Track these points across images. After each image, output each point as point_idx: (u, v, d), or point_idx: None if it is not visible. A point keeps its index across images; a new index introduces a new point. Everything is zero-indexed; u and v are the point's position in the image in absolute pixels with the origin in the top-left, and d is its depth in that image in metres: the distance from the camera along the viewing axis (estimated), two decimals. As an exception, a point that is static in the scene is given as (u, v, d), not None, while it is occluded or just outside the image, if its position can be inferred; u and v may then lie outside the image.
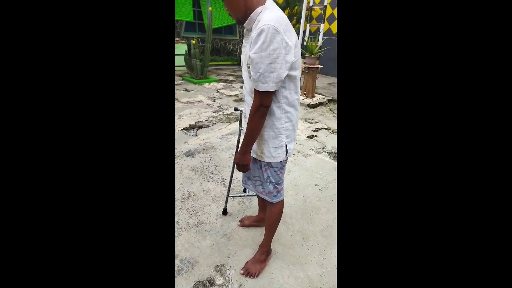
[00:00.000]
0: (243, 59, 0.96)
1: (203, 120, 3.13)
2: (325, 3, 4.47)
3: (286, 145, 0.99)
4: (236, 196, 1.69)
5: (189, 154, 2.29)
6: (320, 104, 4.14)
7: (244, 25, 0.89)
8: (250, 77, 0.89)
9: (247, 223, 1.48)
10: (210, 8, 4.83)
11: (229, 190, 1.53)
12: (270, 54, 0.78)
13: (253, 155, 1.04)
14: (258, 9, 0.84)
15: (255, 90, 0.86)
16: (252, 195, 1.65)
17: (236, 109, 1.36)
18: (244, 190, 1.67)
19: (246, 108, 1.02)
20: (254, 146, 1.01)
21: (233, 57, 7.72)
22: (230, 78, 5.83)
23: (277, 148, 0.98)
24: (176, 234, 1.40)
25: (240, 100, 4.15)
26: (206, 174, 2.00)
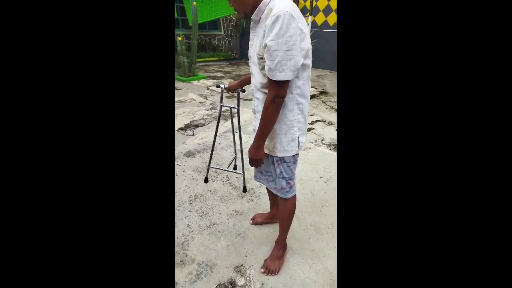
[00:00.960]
0: (251, 52, 0.93)
1: (198, 119, 3.05)
2: (311, -5, 4.46)
3: (298, 138, 0.97)
4: (218, 168, 1.88)
5: (189, 154, 2.24)
6: (312, 96, 4.16)
7: (252, 17, 0.86)
8: (261, 69, 0.87)
9: (259, 220, 1.47)
10: (194, 3, 4.68)
11: (210, 160, 1.69)
12: (287, 41, 0.76)
13: (265, 150, 1.01)
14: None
15: (270, 80, 0.83)
16: (229, 170, 1.77)
17: (217, 86, 1.44)
18: (234, 168, 1.79)
19: (256, 102, 1.00)
20: (266, 141, 0.98)
21: (219, 53, 7.58)
22: (219, 74, 5.72)
23: (290, 142, 0.97)
24: (189, 237, 1.37)
25: (233, 96, 4.09)
26: (210, 174, 1.96)
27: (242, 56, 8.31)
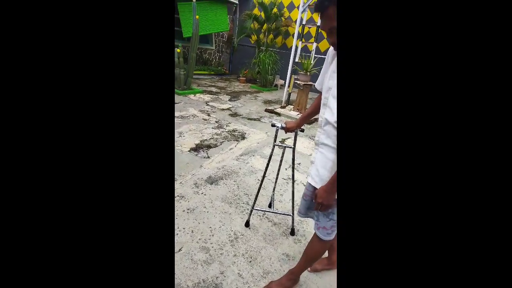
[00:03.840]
0: (331, 84, 0.88)
1: (208, 139, 2.83)
2: (317, 23, 4.63)
3: None
4: (260, 210, 1.63)
5: (212, 181, 2.01)
6: (316, 119, 4.20)
7: None
8: None
9: (319, 267, 1.31)
10: (197, 17, 4.55)
11: (254, 202, 1.50)
12: None
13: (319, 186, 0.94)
14: None
15: None
16: (277, 212, 1.63)
17: (273, 125, 1.32)
18: (270, 206, 1.65)
19: (323, 135, 0.93)
20: (326, 176, 0.92)
21: (210, 67, 7.43)
22: (213, 89, 5.55)
23: None
24: (246, 292, 1.15)
25: (235, 114, 3.94)
26: (242, 206, 1.76)
27: (231, 71, 8.27)
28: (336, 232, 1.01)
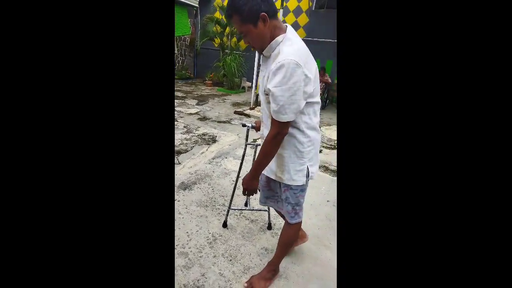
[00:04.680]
0: (261, 82, 0.98)
1: (177, 144, 2.76)
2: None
3: (308, 169, 1.00)
4: (237, 209, 1.68)
5: (185, 187, 1.97)
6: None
7: (263, 53, 0.90)
8: (267, 102, 0.92)
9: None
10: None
11: (230, 202, 1.53)
12: (290, 87, 0.80)
13: (272, 176, 1.05)
14: (279, 38, 0.86)
15: (273, 119, 0.87)
16: (254, 209, 1.66)
17: (243, 125, 1.37)
18: (246, 204, 1.69)
19: (265, 130, 1.03)
20: (274, 168, 1.02)
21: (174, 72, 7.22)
22: (179, 94, 5.41)
23: (298, 172, 0.99)
24: (229, 290, 1.17)
25: (204, 118, 3.90)
26: (218, 208, 1.76)
27: (196, 75, 8.13)
28: (301, 213, 1.09)
